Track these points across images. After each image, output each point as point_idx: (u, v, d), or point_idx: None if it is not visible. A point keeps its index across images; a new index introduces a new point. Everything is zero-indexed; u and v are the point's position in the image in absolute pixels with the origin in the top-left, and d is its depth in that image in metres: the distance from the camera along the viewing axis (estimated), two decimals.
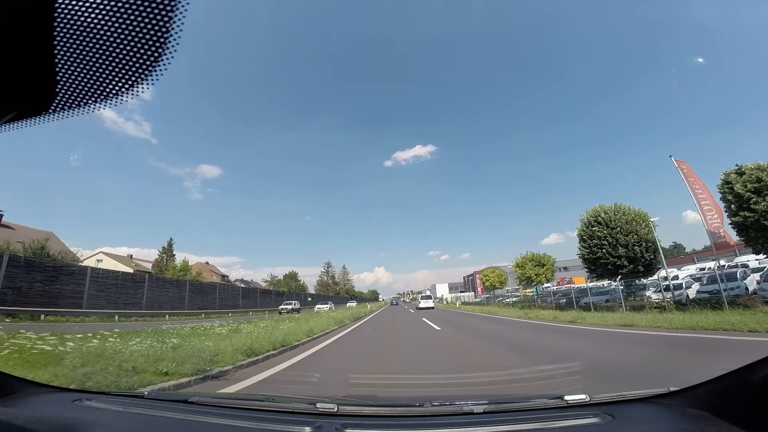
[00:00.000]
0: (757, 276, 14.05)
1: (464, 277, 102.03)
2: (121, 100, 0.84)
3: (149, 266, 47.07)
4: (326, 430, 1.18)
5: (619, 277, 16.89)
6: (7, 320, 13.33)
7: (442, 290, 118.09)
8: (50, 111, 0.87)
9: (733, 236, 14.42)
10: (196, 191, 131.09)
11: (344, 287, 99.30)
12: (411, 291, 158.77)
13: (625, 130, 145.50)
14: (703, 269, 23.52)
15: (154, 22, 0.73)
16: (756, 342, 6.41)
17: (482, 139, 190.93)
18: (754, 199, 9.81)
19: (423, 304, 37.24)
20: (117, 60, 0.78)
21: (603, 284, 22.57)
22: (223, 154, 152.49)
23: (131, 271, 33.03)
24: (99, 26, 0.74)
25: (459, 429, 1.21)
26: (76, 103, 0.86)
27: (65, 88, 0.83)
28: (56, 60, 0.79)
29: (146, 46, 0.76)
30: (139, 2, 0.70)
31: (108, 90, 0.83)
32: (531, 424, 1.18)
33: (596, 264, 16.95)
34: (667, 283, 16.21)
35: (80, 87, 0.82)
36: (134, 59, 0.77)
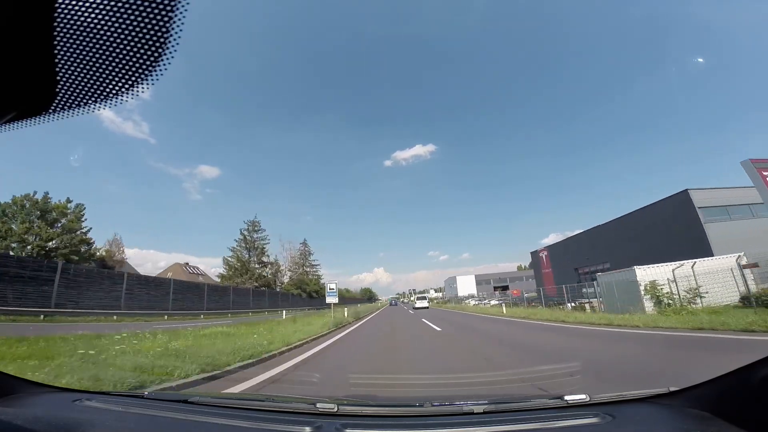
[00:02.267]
0: None
1: (533, 254, 48.18)
2: (121, 100, 0.84)
3: None
4: (326, 430, 1.18)
5: None
6: None
7: (466, 286, 79.37)
8: (50, 111, 0.87)
9: None
10: (195, 192, 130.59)
11: (295, 278, 57.48)
12: (414, 290, 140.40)
13: (625, 130, 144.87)
14: None
15: (154, 22, 0.73)
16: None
17: (482, 139, 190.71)
18: None
19: (419, 304, 42.51)
20: (117, 60, 0.78)
21: None
22: (223, 154, 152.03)
23: None
24: (99, 26, 0.74)
25: (459, 429, 1.21)
26: (76, 103, 0.86)
27: (65, 88, 0.83)
28: (56, 60, 0.79)
29: (146, 46, 0.76)
30: (139, 2, 0.71)
31: (108, 90, 0.83)
32: (531, 424, 1.18)
33: None
34: None
35: (80, 87, 0.83)
36: (134, 59, 0.78)
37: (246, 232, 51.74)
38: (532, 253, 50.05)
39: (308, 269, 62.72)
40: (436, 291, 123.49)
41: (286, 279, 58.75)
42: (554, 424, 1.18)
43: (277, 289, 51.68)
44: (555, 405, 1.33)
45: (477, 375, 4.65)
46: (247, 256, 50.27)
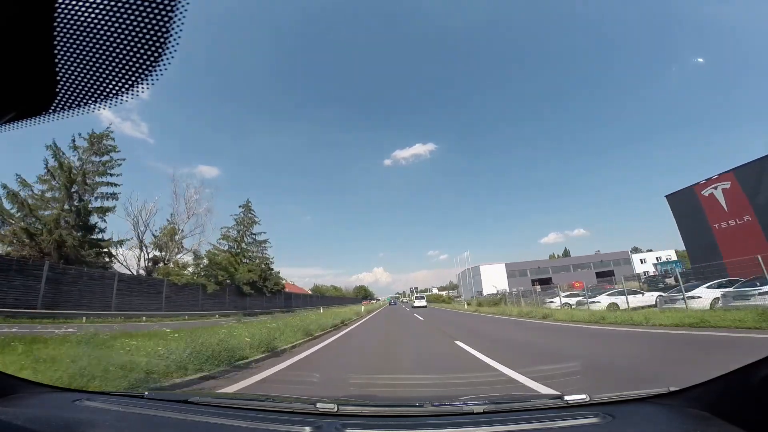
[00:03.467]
0: None
1: (681, 194, 22.71)
2: (121, 100, 0.84)
3: None
4: (326, 430, 1.18)
5: None
6: None
7: (494, 278, 57.43)
8: (50, 111, 0.87)
9: None
10: (194, 191, 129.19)
11: (208, 257, 32.06)
12: (416, 288, 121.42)
13: (625, 131, 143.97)
14: None
15: (154, 22, 0.73)
16: None
17: (483, 139, 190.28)
18: None
19: (417, 303, 43.20)
20: (117, 60, 0.78)
21: None
22: (221, 154, 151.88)
23: None
24: (99, 26, 0.74)
25: (459, 429, 1.21)
26: (76, 103, 0.86)
27: (65, 88, 0.83)
28: (56, 60, 0.79)
29: (146, 46, 0.76)
30: (139, 2, 0.71)
31: (108, 90, 0.83)
32: (531, 424, 1.18)
33: None
34: None
35: (80, 87, 0.83)
36: (134, 59, 0.78)
37: (67, 151, 23.30)
38: (671, 196, 24.94)
39: (250, 247, 38.08)
40: (439, 290, 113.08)
41: (184, 257, 31.21)
42: (554, 424, 1.18)
43: (155, 274, 27.25)
44: (555, 405, 1.34)
45: (477, 375, 4.66)
46: (55, 194, 22.55)
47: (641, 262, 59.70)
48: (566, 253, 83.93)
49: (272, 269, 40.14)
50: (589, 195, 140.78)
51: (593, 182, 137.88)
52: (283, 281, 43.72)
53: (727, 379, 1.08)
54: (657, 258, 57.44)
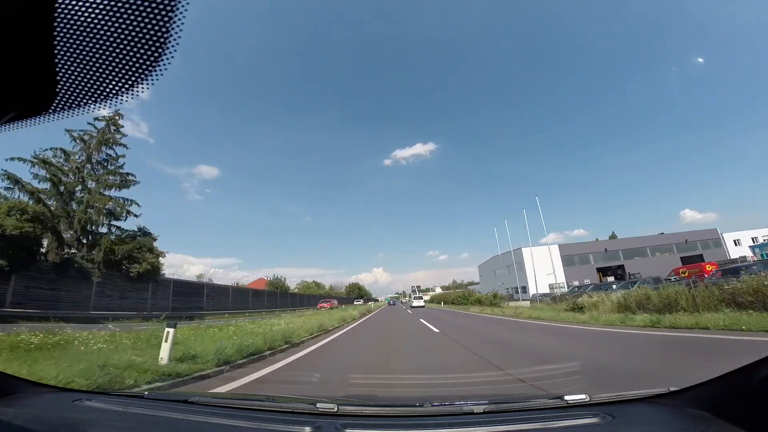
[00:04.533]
0: None
1: None
2: (121, 100, 0.84)
3: None
4: (326, 430, 1.18)
5: None
6: None
7: (540, 267, 37.21)
8: (50, 111, 0.87)
9: None
10: (194, 192, 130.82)
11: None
12: (418, 287, 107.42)
13: (625, 130, 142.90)
14: None
15: (154, 22, 0.73)
16: None
17: (483, 138, 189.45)
18: None
19: (415, 303, 42.93)
20: (116, 60, 0.78)
21: None
22: (222, 154, 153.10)
23: None
24: (99, 26, 0.74)
25: (459, 429, 1.21)
26: (76, 103, 0.86)
27: (65, 88, 0.83)
28: (56, 60, 0.79)
29: (146, 47, 0.76)
30: (139, 2, 0.71)
31: (107, 90, 0.83)
32: (531, 424, 1.18)
33: None
34: None
35: (80, 87, 0.83)
36: (134, 60, 0.78)
37: None
38: None
39: (112, 194, 21.09)
40: (443, 289, 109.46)
41: None
42: (554, 424, 1.18)
43: None
44: (555, 405, 1.34)
45: (476, 375, 4.65)
46: None
47: (735, 244, 47.00)
48: (612, 237, 61.01)
49: (140, 234, 21.38)
50: (589, 195, 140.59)
51: (593, 182, 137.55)
52: (162, 258, 21.99)
53: (727, 379, 1.08)
54: (753, 239, 45.13)
